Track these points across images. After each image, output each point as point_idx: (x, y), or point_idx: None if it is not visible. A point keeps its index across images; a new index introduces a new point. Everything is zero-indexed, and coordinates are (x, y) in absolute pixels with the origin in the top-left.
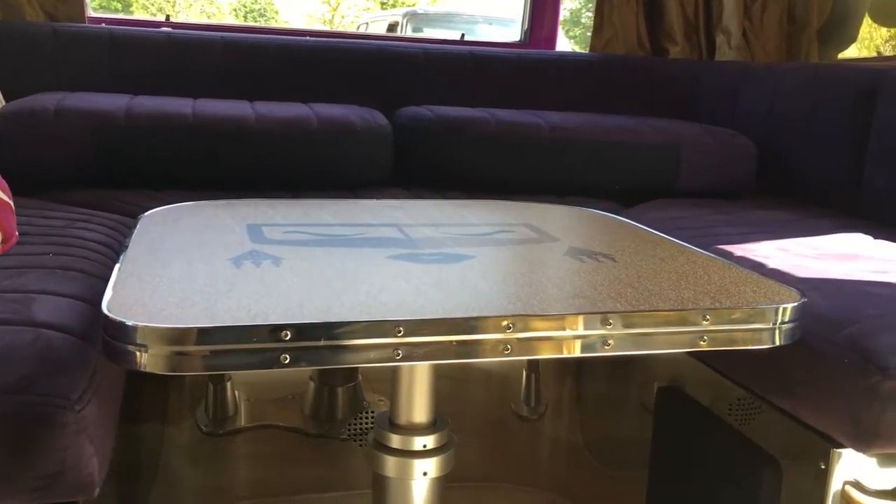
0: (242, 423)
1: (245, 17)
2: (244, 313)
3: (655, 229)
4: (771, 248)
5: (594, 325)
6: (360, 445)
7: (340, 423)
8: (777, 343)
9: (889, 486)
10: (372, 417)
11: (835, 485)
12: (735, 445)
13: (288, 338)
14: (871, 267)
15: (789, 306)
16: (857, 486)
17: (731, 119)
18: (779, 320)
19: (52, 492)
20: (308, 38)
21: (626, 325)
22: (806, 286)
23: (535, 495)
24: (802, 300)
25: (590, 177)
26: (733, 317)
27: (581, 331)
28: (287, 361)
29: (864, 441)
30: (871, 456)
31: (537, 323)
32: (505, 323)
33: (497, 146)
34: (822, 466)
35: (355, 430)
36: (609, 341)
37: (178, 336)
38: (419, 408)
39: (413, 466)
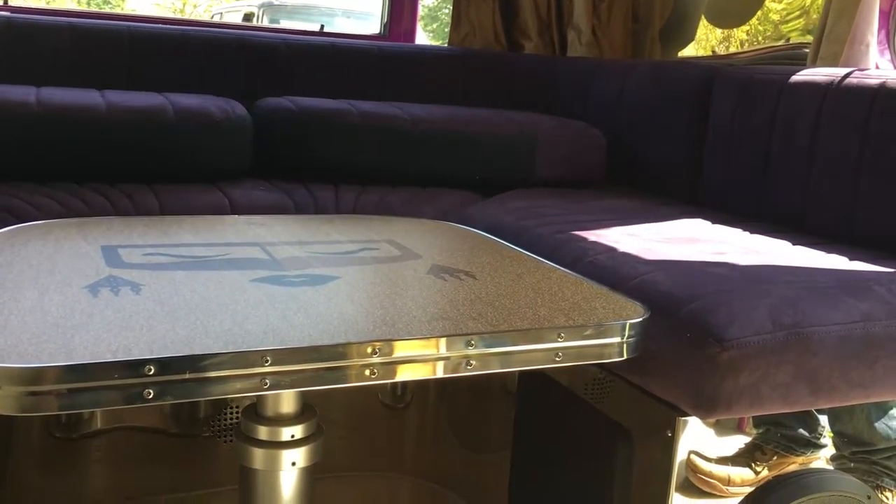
0: (98, 426)
1: (88, 3)
2: (104, 348)
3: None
4: (621, 234)
5: (457, 346)
6: (225, 442)
7: (203, 420)
8: (624, 356)
9: (727, 453)
10: (234, 413)
11: (681, 451)
12: (592, 421)
13: (151, 372)
14: (711, 249)
15: (635, 321)
16: (700, 455)
17: (583, 112)
18: (626, 335)
19: None
20: (163, 25)
21: (488, 346)
22: (653, 267)
23: (402, 481)
24: (646, 315)
25: (451, 167)
26: (585, 333)
27: (445, 352)
28: (150, 396)
29: (705, 408)
30: (712, 424)
31: (403, 347)
32: (371, 349)
33: (359, 137)
34: (669, 434)
35: (218, 427)
36: (472, 361)
37: (33, 376)
38: (286, 398)
39: (281, 457)
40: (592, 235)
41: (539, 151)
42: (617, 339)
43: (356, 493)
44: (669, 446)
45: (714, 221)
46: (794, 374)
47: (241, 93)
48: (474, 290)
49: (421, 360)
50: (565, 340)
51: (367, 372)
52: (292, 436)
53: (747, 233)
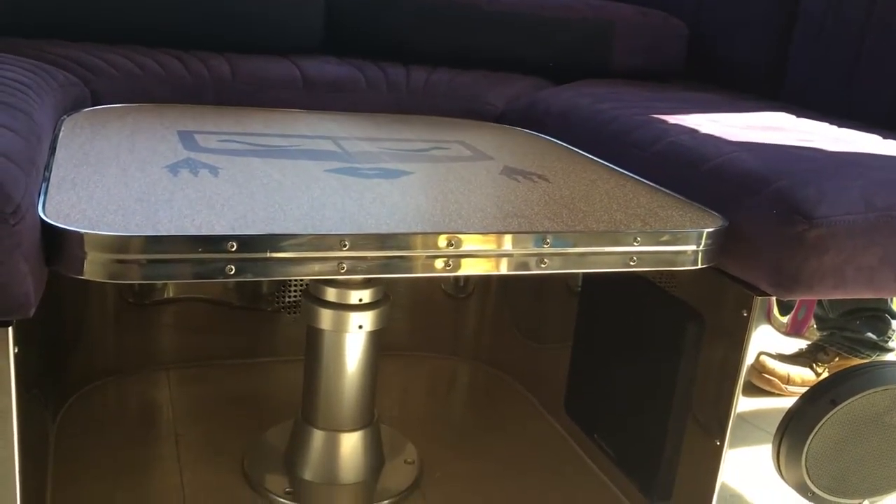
0: (169, 295)
1: None
2: (187, 223)
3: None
4: (702, 119)
5: (532, 244)
6: (290, 314)
7: (267, 295)
8: (698, 265)
9: (791, 351)
10: (297, 290)
11: (755, 337)
12: (659, 303)
13: (234, 249)
14: (797, 136)
15: (712, 230)
16: (768, 354)
17: (661, 2)
18: (702, 243)
19: None
20: None
21: (563, 245)
22: (737, 147)
23: (461, 364)
24: (723, 225)
25: (524, 51)
26: (661, 239)
27: (519, 249)
28: (232, 273)
29: (786, 287)
30: (781, 328)
31: (478, 241)
32: (447, 240)
33: (433, 18)
34: (745, 314)
35: (284, 302)
36: (545, 260)
37: (121, 245)
38: None
39: (349, 319)
40: (672, 119)
41: (616, 39)
42: (693, 247)
43: (416, 371)
44: (744, 327)
45: (798, 115)
46: (881, 257)
47: None
48: (548, 191)
49: (494, 255)
50: (641, 245)
51: (442, 263)
52: (360, 300)
53: (835, 126)
